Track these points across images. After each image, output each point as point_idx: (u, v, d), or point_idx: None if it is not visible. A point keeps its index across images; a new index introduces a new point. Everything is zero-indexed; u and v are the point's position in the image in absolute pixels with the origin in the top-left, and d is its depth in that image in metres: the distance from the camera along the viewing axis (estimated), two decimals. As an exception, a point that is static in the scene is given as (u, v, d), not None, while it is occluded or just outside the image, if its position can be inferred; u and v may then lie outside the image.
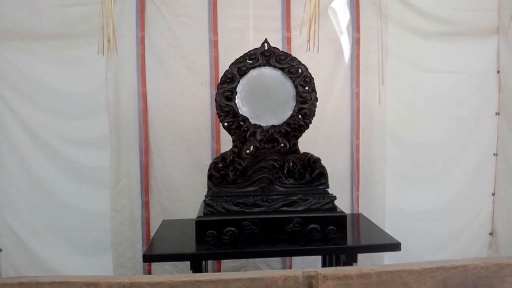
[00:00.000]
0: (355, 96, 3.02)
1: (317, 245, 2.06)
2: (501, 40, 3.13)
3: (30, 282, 1.28)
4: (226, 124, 2.17)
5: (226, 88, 2.15)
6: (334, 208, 2.14)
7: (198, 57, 2.89)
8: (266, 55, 2.17)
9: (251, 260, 2.92)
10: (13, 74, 2.88)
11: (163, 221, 2.58)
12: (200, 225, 2.05)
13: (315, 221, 2.08)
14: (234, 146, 2.19)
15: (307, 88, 2.18)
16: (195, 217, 2.09)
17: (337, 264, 2.24)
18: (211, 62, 2.88)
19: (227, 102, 2.15)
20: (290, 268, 2.95)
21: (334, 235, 2.07)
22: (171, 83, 2.89)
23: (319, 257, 2.64)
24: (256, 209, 2.10)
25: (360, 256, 2.10)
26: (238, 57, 2.18)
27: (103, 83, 2.86)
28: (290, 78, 2.18)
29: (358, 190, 3.04)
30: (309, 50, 2.36)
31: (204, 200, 2.13)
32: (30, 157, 2.93)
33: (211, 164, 2.16)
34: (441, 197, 3.17)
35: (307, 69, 2.19)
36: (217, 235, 2.04)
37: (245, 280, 1.31)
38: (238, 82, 2.16)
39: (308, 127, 2.20)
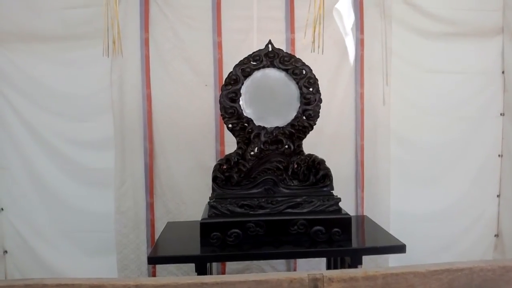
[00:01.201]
0: (359, 97, 3.01)
1: (322, 247, 2.05)
2: (505, 40, 3.11)
3: (36, 284, 1.29)
4: (230, 125, 2.16)
5: (230, 90, 2.15)
6: (339, 210, 2.13)
7: (202, 58, 2.89)
8: (270, 57, 2.17)
9: (255, 262, 2.90)
10: (17, 76, 2.89)
11: (167, 223, 2.58)
12: (205, 227, 2.05)
13: (319, 223, 2.07)
14: (239, 147, 2.18)
15: (311, 89, 2.17)
16: (200, 219, 2.09)
17: (342, 266, 2.24)
18: (215, 64, 2.88)
19: (231, 104, 2.14)
20: (295, 270, 2.95)
21: (339, 237, 2.07)
22: (175, 85, 2.89)
23: (324, 259, 2.63)
24: (260, 211, 2.10)
25: (365, 258, 2.09)
26: (242, 58, 2.18)
27: (107, 84, 2.86)
28: (294, 79, 2.17)
29: (362, 191, 3.03)
30: (313, 51, 2.36)
31: (209, 202, 2.13)
32: (34, 159, 2.94)
33: (215, 166, 2.16)
34: (445, 198, 3.15)
35: (311, 70, 2.18)
36: (222, 237, 2.04)
37: (250, 283, 1.31)
38: (242, 84, 2.15)
39: (312, 128, 2.19)
